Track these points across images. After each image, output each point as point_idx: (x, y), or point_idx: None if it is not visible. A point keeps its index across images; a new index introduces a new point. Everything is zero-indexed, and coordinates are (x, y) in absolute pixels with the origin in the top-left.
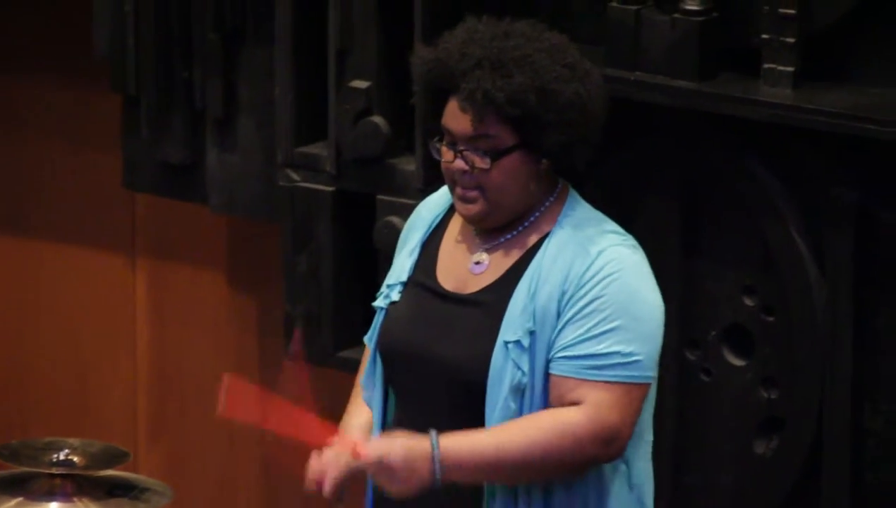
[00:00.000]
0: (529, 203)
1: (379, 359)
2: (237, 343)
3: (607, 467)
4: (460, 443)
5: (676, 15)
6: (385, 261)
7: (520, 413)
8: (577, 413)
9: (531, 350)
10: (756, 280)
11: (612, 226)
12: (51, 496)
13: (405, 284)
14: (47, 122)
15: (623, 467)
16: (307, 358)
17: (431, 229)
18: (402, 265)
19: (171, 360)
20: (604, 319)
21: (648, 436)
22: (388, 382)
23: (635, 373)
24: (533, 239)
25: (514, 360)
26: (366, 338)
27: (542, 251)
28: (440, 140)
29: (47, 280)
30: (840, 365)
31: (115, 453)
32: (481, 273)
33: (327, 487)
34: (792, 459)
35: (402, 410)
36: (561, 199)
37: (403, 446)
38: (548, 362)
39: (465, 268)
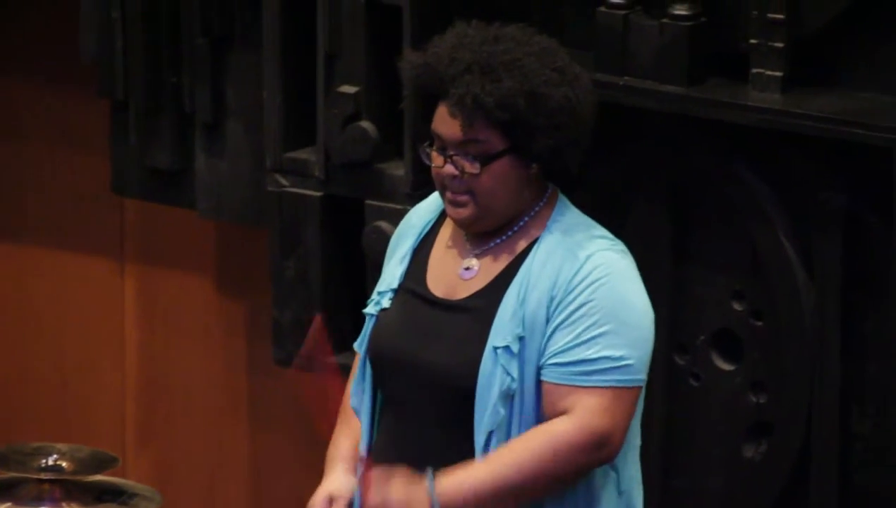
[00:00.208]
0: (519, 207)
1: (369, 366)
2: (225, 348)
3: (597, 472)
4: (458, 480)
5: (665, 20)
6: (373, 267)
7: (509, 418)
8: (566, 423)
9: (521, 355)
10: (745, 284)
11: (601, 231)
12: (39, 501)
13: (396, 291)
14: (35, 128)
15: (612, 472)
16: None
17: (422, 236)
18: (392, 272)
19: (159, 365)
20: (592, 324)
21: (637, 441)
22: (378, 388)
23: (626, 377)
24: (522, 244)
25: (503, 366)
26: (356, 345)
27: (531, 256)
28: (430, 145)
29: (36, 285)
30: (828, 369)
31: (104, 458)
32: (471, 278)
33: None
34: (780, 463)
35: (392, 416)
36: (550, 204)
37: (400, 491)
38: (538, 368)
39: (454, 274)
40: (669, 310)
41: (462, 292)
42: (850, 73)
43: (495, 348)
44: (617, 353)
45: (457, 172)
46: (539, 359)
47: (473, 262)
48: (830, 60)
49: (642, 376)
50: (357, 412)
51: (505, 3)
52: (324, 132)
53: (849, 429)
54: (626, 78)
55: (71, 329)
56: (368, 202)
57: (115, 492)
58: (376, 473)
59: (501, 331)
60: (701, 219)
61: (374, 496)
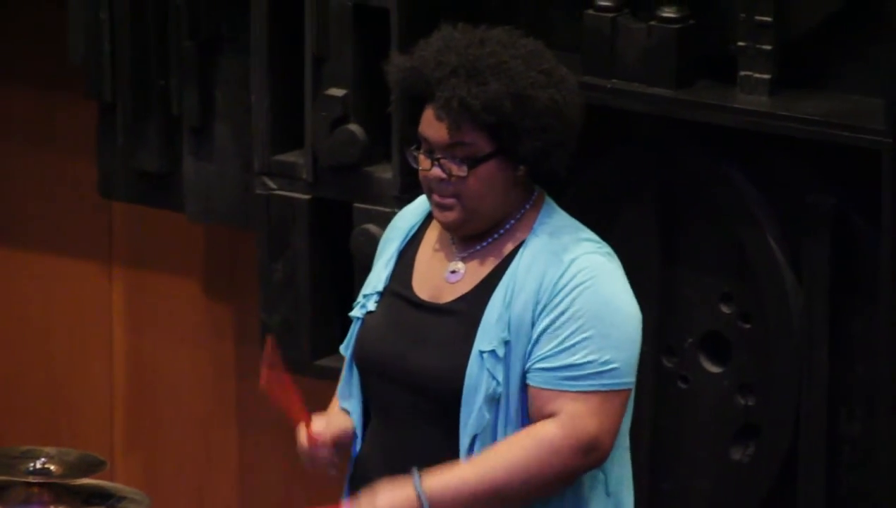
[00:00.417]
0: (506, 210)
1: (355, 369)
2: (214, 351)
3: (585, 476)
4: (444, 481)
5: (652, 22)
6: (361, 269)
7: (495, 422)
8: (553, 426)
9: (506, 359)
10: (733, 287)
11: (588, 233)
12: (27, 504)
13: (381, 294)
14: (22, 130)
15: (600, 475)
16: (284, 362)
17: (408, 239)
18: (378, 275)
19: (147, 368)
20: (578, 329)
21: (625, 443)
22: (365, 391)
23: (612, 381)
24: (508, 247)
25: (489, 370)
26: (342, 348)
27: (516, 260)
28: (417, 148)
29: (24, 288)
30: (816, 371)
31: (92, 461)
32: (457, 282)
33: None
34: (768, 465)
35: (380, 419)
36: (537, 207)
37: (388, 497)
38: (524, 372)
39: (440, 277)
40: (657, 313)
41: (448, 295)
42: (838, 76)
43: (481, 352)
44: (603, 357)
45: (444, 175)
46: (525, 363)
47: (459, 265)
48: (818, 63)
49: (630, 379)
50: (348, 414)
51: (492, 5)
52: (312, 135)
53: (836, 431)
54: (613, 81)
55: (59, 332)
56: (356, 205)
57: (104, 496)
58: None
59: (487, 335)
60: (689, 222)
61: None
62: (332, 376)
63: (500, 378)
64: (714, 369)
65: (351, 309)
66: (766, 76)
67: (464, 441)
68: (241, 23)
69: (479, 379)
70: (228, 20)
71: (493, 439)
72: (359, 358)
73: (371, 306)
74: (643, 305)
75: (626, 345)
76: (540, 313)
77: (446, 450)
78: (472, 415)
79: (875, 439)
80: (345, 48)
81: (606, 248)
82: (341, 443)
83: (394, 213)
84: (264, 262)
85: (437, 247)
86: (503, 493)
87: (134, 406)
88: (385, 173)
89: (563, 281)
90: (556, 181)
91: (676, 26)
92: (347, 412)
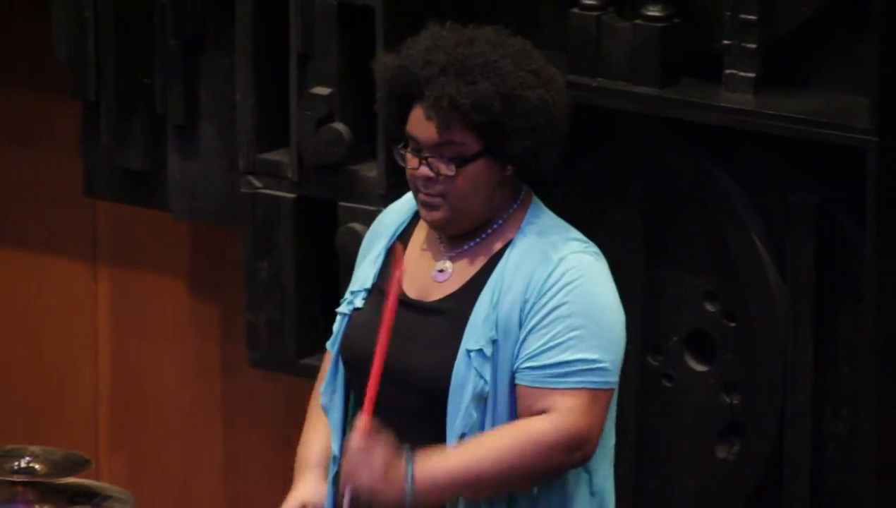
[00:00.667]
0: (493, 210)
1: (341, 365)
2: (199, 349)
3: (570, 473)
4: (432, 465)
5: (638, 21)
6: (347, 268)
7: (482, 422)
8: (544, 421)
9: (494, 359)
10: (717, 285)
11: (575, 233)
12: (12, 503)
13: (369, 291)
14: (6, 129)
15: (585, 473)
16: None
17: (395, 236)
18: (365, 272)
19: (132, 367)
20: (566, 327)
21: (610, 441)
22: (351, 388)
23: (601, 379)
24: (496, 246)
25: (476, 369)
26: (328, 344)
27: (504, 259)
28: (405, 146)
29: (8, 288)
30: (801, 369)
31: (77, 460)
32: (444, 281)
33: None
34: (753, 463)
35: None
36: (524, 206)
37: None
38: (512, 372)
39: (428, 276)
40: (643, 311)
41: (435, 294)
42: (822, 74)
43: (468, 351)
44: (592, 356)
45: (432, 174)
46: (513, 363)
47: (447, 265)
48: (803, 61)
49: (615, 379)
50: (326, 410)
51: (478, 4)
52: (297, 133)
53: (821, 430)
54: (599, 79)
55: (44, 331)
56: (342, 203)
57: (89, 494)
58: (365, 428)
59: (475, 334)
60: (674, 220)
61: (354, 450)
62: (317, 375)
63: (488, 377)
64: (699, 367)
65: (336, 307)
66: (751, 75)
67: (451, 441)
68: (226, 21)
69: (467, 378)
70: (213, 19)
71: None
72: (345, 354)
73: (358, 303)
74: (628, 303)
75: (613, 345)
76: (528, 312)
77: (433, 448)
78: (459, 414)
79: (860, 437)
80: (330, 47)
81: (594, 248)
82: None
83: (379, 212)
84: (250, 261)
85: (424, 246)
86: (486, 482)
87: (119, 405)
88: (370, 172)
89: (552, 280)
90: (543, 181)
91: (661, 25)
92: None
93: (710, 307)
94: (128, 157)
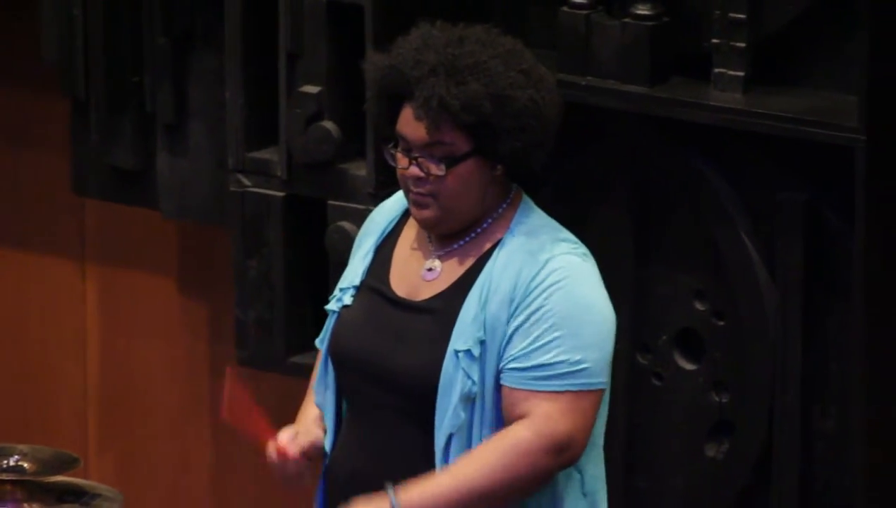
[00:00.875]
0: (483, 209)
1: (331, 363)
2: (188, 348)
3: (560, 475)
4: (420, 492)
5: (627, 19)
6: (336, 266)
7: (470, 421)
8: (524, 428)
9: (481, 359)
10: (707, 284)
11: (565, 234)
12: (1, 502)
13: (358, 288)
14: None
15: (576, 474)
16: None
17: (385, 234)
18: (355, 269)
19: (121, 366)
20: (549, 328)
21: (600, 442)
22: (340, 386)
23: (583, 381)
24: (485, 245)
25: (464, 370)
26: (317, 341)
27: (493, 259)
28: (395, 146)
29: None
30: (790, 368)
31: (66, 459)
32: (433, 280)
33: None
34: (742, 462)
35: (354, 414)
36: (514, 206)
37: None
38: (498, 372)
39: (417, 275)
40: (632, 310)
41: (424, 293)
42: (811, 73)
43: (456, 351)
44: (574, 357)
45: (422, 174)
46: (499, 363)
47: (436, 264)
48: (792, 60)
49: (602, 379)
50: (321, 408)
51: (467, 2)
52: (286, 132)
53: (810, 428)
54: (588, 78)
55: (32, 330)
56: (331, 202)
57: (77, 493)
58: None
59: (463, 335)
60: (663, 219)
61: None
62: (307, 373)
63: (476, 377)
64: (688, 366)
65: (326, 305)
66: (740, 73)
67: (439, 440)
68: (215, 19)
69: (455, 378)
70: (202, 17)
71: (469, 438)
72: (334, 352)
73: (347, 300)
74: (617, 302)
75: (597, 345)
76: (514, 312)
77: (421, 448)
78: (447, 414)
79: (849, 436)
80: (319, 45)
81: (583, 249)
82: (312, 455)
83: (368, 210)
84: (239, 259)
85: (414, 244)
86: (480, 500)
87: (108, 403)
88: (359, 170)
89: (537, 280)
90: (533, 180)
91: (650, 23)
92: (321, 409)
93: (699, 306)
94: (117, 156)
